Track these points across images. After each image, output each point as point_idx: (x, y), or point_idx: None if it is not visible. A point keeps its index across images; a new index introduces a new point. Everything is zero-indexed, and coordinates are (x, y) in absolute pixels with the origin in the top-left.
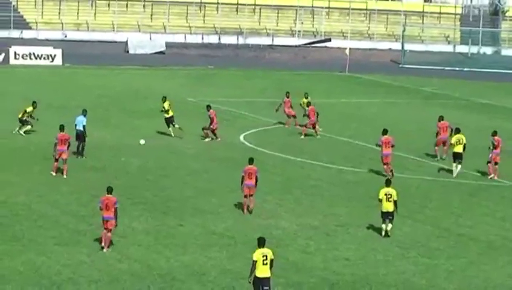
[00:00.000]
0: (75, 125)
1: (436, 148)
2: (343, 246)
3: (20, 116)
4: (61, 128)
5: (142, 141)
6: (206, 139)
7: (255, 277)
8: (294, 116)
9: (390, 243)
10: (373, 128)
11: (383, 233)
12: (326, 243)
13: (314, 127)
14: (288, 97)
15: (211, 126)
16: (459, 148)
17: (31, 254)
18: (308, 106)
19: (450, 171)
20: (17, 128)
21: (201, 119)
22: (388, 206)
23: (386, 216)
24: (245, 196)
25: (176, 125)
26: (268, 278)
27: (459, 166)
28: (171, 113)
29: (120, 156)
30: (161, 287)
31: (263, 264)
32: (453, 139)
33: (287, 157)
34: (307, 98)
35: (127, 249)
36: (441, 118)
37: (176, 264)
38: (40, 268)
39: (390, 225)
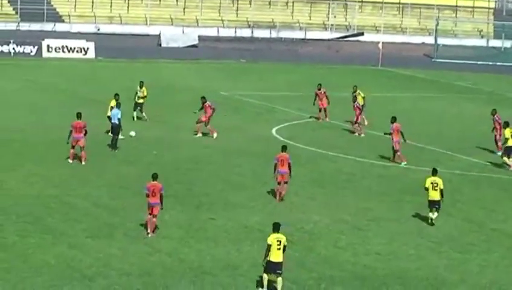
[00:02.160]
0: (110, 118)
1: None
2: (374, 241)
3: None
4: (78, 116)
5: (132, 133)
6: (198, 135)
7: (269, 261)
8: (325, 110)
9: (422, 237)
10: (405, 123)
11: (430, 221)
12: (358, 237)
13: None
14: (319, 89)
15: (203, 118)
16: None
17: (63, 246)
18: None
19: (481, 165)
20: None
21: (233, 113)
22: (434, 195)
23: (433, 205)
24: (278, 183)
25: (144, 115)
26: (281, 263)
27: None
28: (142, 101)
29: (152, 150)
30: (192, 280)
31: (277, 249)
32: (507, 133)
33: (319, 151)
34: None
35: (158, 242)
36: (494, 112)
37: (208, 258)
38: (71, 261)
39: (436, 214)
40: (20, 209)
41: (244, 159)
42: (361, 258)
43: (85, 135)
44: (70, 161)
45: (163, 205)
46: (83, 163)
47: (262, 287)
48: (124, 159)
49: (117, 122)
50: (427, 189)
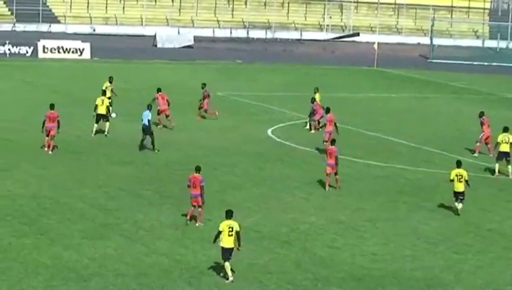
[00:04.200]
0: (141, 120)
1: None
2: (370, 241)
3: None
4: (52, 106)
5: (113, 115)
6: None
7: (221, 247)
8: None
9: (418, 238)
10: (401, 123)
11: (455, 211)
12: (354, 237)
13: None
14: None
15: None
16: (505, 147)
17: (59, 247)
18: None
19: (477, 166)
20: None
21: (229, 114)
22: (459, 186)
23: (458, 196)
24: (327, 174)
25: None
26: (232, 249)
27: (510, 166)
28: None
29: (147, 150)
30: (188, 281)
31: (228, 235)
32: (500, 138)
33: (315, 152)
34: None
35: (154, 243)
36: (481, 114)
37: (204, 259)
38: (67, 262)
39: (461, 205)
40: (15, 210)
41: (240, 160)
42: (358, 259)
43: (58, 126)
44: (46, 149)
45: (203, 198)
46: (50, 152)
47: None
48: (120, 160)
49: (147, 123)
50: (452, 181)
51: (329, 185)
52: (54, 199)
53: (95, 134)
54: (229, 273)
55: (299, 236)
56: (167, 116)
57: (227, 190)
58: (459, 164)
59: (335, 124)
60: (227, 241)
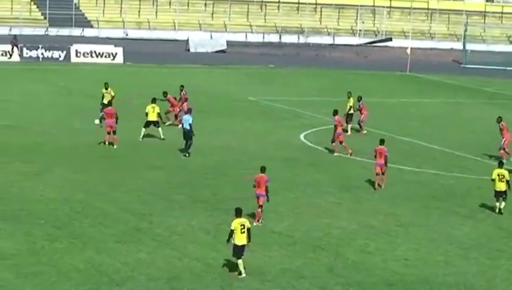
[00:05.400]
0: (182, 124)
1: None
2: (402, 246)
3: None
4: (109, 103)
5: (96, 121)
6: (167, 123)
7: (234, 245)
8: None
9: (450, 243)
10: (434, 128)
11: (497, 210)
12: (386, 243)
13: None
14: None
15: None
16: None
17: (91, 251)
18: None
19: None
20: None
21: (261, 118)
22: (501, 186)
23: (500, 195)
24: (377, 174)
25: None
26: (244, 245)
27: None
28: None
29: (179, 155)
30: (221, 285)
31: (241, 232)
32: None
33: (347, 156)
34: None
35: (186, 247)
36: (499, 119)
37: (236, 263)
38: (100, 266)
39: (503, 203)
40: (48, 214)
41: (272, 165)
42: (390, 264)
43: (116, 120)
44: (106, 143)
45: (269, 197)
46: (115, 147)
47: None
48: (152, 164)
49: (188, 127)
50: (493, 180)
51: (378, 185)
52: (86, 203)
53: (143, 138)
54: (243, 270)
55: (331, 241)
56: (176, 116)
57: None
58: (500, 164)
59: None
60: (240, 239)
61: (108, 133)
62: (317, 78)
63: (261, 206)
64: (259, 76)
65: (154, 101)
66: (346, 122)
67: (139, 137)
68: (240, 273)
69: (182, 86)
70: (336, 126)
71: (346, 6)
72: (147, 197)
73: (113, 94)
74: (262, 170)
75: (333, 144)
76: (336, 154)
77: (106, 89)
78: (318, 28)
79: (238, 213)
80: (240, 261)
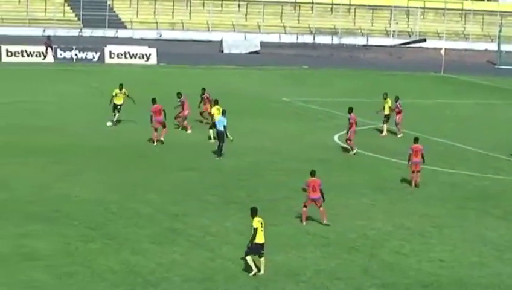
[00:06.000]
0: (216, 125)
1: None
2: (437, 248)
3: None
4: (154, 101)
5: (108, 123)
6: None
7: (255, 243)
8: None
9: (485, 244)
10: (468, 129)
11: None
12: (421, 244)
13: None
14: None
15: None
16: None
17: (126, 252)
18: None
19: None
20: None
21: (296, 119)
22: None
23: None
24: (412, 172)
25: (117, 115)
26: (264, 244)
27: None
28: (119, 101)
29: (213, 156)
30: (255, 286)
31: (261, 230)
32: None
33: (382, 157)
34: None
35: (220, 248)
36: None
37: (270, 264)
38: (134, 267)
39: None
40: (82, 215)
41: (306, 166)
42: (424, 265)
43: (165, 117)
44: (154, 143)
45: (324, 198)
46: (162, 139)
47: (251, 269)
48: (186, 165)
49: (222, 129)
50: None
51: (415, 183)
52: (120, 203)
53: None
54: (263, 267)
55: (366, 242)
56: (185, 118)
57: (294, 195)
58: None
59: (356, 123)
60: (261, 237)
61: (156, 130)
62: (351, 79)
63: (320, 206)
64: (293, 77)
65: (216, 102)
66: (383, 123)
67: (211, 139)
68: (259, 271)
69: (204, 89)
70: (351, 124)
71: (380, 7)
72: (181, 198)
73: (127, 93)
74: (313, 173)
75: (348, 142)
76: (352, 152)
77: (120, 90)
78: (352, 28)
79: (255, 212)
80: (262, 260)
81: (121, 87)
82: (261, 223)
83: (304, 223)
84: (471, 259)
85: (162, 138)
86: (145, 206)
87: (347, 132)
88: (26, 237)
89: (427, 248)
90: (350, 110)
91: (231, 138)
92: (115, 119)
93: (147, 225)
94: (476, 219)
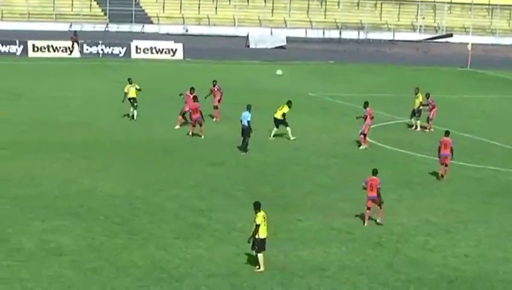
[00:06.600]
0: (241, 120)
1: None
2: (462, 243)
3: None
4: (195, 99)
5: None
6: (176, 127)
7: (260, 239)
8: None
9: (510, 240)
10: (495, 125)
11: None
12: (446, 239)
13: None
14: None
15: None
16: None
17: (150, 247)
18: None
19: None
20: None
21: (321, 114)
22: None
23: None
24: (441, 164)
25: (135, 112)
26: (266, 238)
27: None
28: (132, 95)
29: (238, 152)
30: (280, 282)
31: (264, 225)
32: None
33: (408, 153)
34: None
35: (245, 244)
36: None
37: (295, 259)
38: (159, 262)
39: None
40: (107, 210)
41: (332, 161)
42: (450, 260)
43: (201, 115)
44: (190, 133)
45: (381, 198)
46: (202, 137)
47: (259, 266)
48: (211, 161)
49: (246, 124)
50: None
51: (441, 175)
52: (145, 199)
53: (273, 136)
54: (262, 264)
55: (391, 237)
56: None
57: (319, 191)
58: None
59: (372, 117)
60: (264, 232)
61: (194, 125)
62: (377, 74)
63: (379, 206)
64: (319, 72)
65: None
66: (411, 118)
67: (270, 136)
68: (259, 268)
69: (215, 81)
70: (366, 118)
71: (406, 2)
72: (206, 193)
73: (138, 87)
74: (374, 172)
75: (361, 136)
76: (362, 147)
77: (130, 83)
78: (378, 23)
79: (258, 207)
80: (260, 256)
81: (130, 81)
82: (264, 218)
83: (366, 223)
84: (496, 254)
85: (202, 135)
86: (170, 202)
87: (363, 127)
88: (52, 232)
89: (452, 243)
90: (366, 104)
91: (254, 129)
92: (134, 116)
93: (171, 221)
94: (501, 214)
